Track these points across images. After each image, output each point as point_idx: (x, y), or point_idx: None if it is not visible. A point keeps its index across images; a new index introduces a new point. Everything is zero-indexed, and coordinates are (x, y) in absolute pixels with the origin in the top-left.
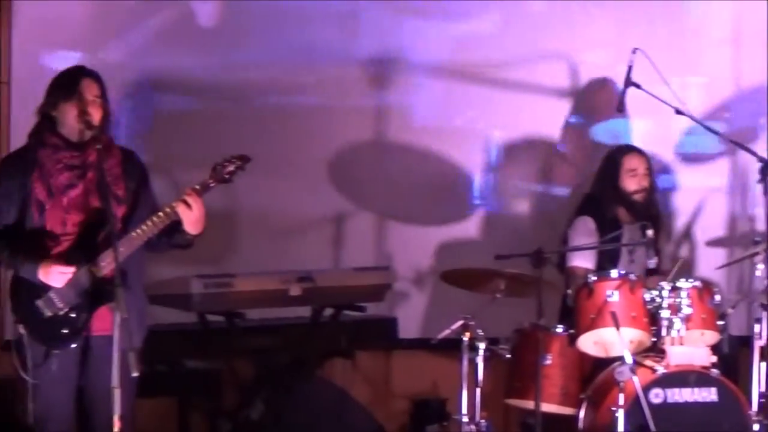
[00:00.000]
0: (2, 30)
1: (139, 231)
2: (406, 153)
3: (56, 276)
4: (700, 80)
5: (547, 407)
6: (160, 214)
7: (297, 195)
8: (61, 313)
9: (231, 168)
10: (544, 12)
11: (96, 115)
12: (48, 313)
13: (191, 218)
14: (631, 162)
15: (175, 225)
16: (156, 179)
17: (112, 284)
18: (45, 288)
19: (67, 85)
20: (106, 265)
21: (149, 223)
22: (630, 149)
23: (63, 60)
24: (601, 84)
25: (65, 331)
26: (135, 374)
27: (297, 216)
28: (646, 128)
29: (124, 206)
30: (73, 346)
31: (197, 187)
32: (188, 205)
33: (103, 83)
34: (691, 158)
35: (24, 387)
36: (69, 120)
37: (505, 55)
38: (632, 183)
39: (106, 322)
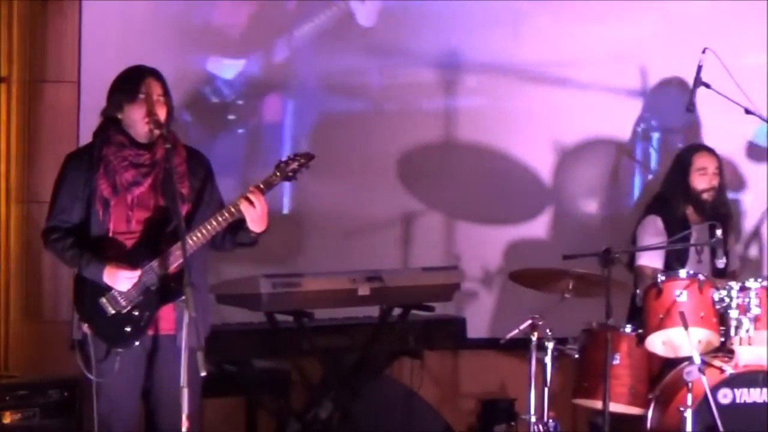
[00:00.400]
0: (69, 30)
1: (203, 229)
2: (474, 153)
3: (122, 281)
4: None
5: (615, 407)
6: (224, 212)
7: (366, 195)
8: (124, 311)
9: (295, 165)
10: (615, 12)
11: (162, 114)
12: (111, 311)
13: (254, 216)
14: (701, 161)
15: (240, 223)
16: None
17: (176, 282)
18: (108, 286)
19: (132, 87)
20: (173, 261)
21: (213, 222)
22: (701, 148)
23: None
24: (671, 84)
25: (128, 329)
26: (203, 374)
27: (366, 216)
28: (716, 127)
29: (188, 204)
30: (136, 344)
31: (261, 185)
32: (251, 203)
33: (165, 80)
34: (762, 156)
35: (89, 387)
36: (136, 121)
37: (575, 55)
38: (702, 181)
39: (171, 321)
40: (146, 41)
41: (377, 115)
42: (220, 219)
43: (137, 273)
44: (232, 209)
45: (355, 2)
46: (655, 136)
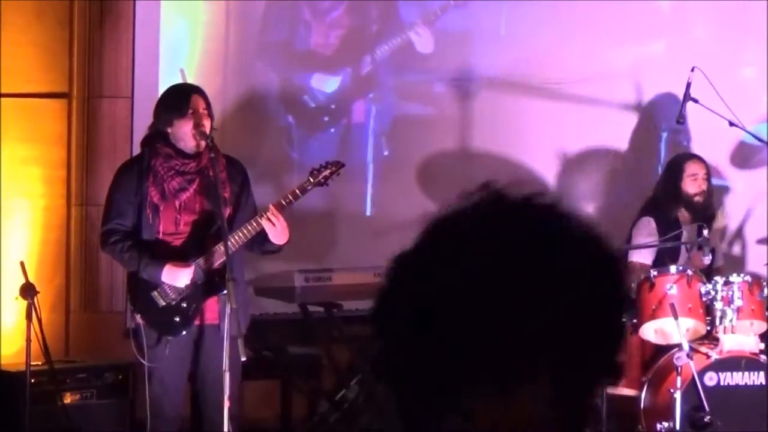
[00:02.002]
0: (123, 51)
1: (240, 233)
2: (488, 161)
3: (182, 278)
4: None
5: (611, 389)
6: (248, 227)
7: (390, 198)
8: (174, 303)
9: (326, 173)
10: (613, 32)
11: (207, 126)
12: (162, 303)
13: (275, 232)
14: (693, 167)
15: (263, 235)
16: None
17: (220, 277)
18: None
19: (179, 102)
20: (216, 259)
21: (242, 232)
22: (692, 156)
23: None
24: (663, 98)
25: (177, 319)
26: (243, 359)
27: (391, 215)
28: (705, 137)
29: (230, 207)
30: (184, 333)
31: (284, 200)
32: (271, 221)
33: (207, 96)
34: (746, 164)
35: (141, 371)
36: (186, 134)
37: (578, 73)
38: (693, 186)
39: (215, 312)
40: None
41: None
42: (246, 231)
43: (192, 269)
44: (255, 224)
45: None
46: (650, 145)
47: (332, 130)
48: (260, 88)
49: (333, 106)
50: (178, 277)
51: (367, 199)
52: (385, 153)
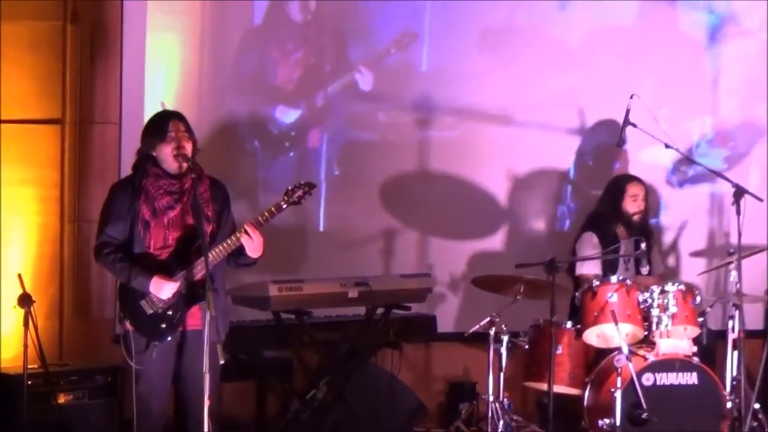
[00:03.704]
0: (112, 80)
1: (218, 249)
2: (444, 181)
3: (167, 290)
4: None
5: (558, 389)
6: (228, 241)
7: (357, 213)
8: (160, 311)
9: (300, 192)
10: (558, 64)
11: (188, 147)
12: (149, 311)
13: (252, 246)
14: (633, 189)
15: (242, 248)
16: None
17: (202, 287)
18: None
19: (160, 128)
20: (198, 271)
21: (223, 246)
22: (632, 178)
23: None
24: (605, 123)
25: (163, 326)
26: (222, 362)
27: (356, 231)
28: (643, 158)
29: (212, 224)
30: (169, 339)
31: (261, 217)
32: (249, 236)
33: (186, 120)
34: (679, 183)
35: (129, 373)
36: (167, 157)
37: (526, 100)
38: (633, 206)
39: (197, 318)
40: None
41: (378, 146)
42: (226, 245)
43: (178, 284)
44: (234, 239)
45: (357, 73)
46: (591, 166)
47: (291, 153)
48: (231, 117)
49: (293, 134)
50: (163, 289)
51: (321, 215)
52: (336, 173)
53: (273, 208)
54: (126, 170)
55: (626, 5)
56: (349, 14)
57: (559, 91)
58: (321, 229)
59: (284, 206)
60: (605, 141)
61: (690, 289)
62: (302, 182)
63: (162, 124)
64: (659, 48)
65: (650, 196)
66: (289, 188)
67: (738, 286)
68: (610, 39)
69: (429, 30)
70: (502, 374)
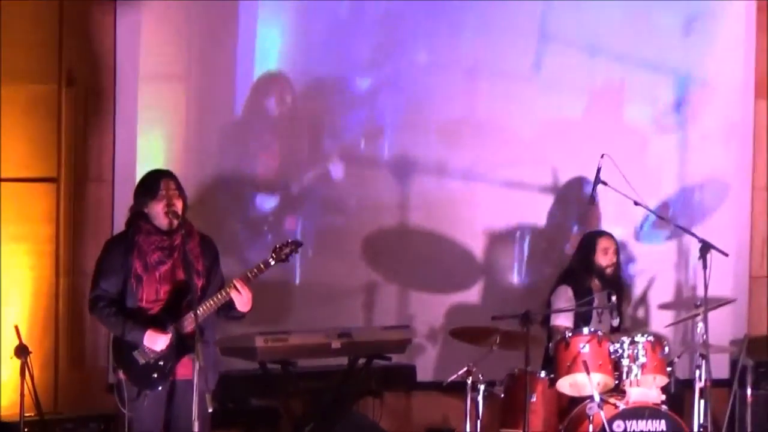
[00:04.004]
0: (106, 141)
1: (209, 302)
2: (424, 237)
3: (160, 343)
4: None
5: None
6: (218, 295)
7: (340, 269)
8: (152, 361)
9: (287, 250)
10: (533, 129)
11: (178, 205)
12: (142, 361)
13: (241, 301)
14: (604, 243)
15: (231, 303)
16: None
17: (192, 339)
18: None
19: (151, 187)
20: (188, 324)
21: (213, 300)
22: (603, 233)
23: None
24: (576, 182)
25: (155, 375)
26: (210, 410)
27: (338, 286)
28: (614, 215)
29: (202, 279)
30: (160, 388)
31: (249, 273)
32: (238, 291)
33: (177, 179)
34: (648, 239)
35: (122, 421)
36: (159, 214)
37: (501, 159)
38: (604, 260)
39: (188, 368)
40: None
41: (350, 227)
42: (216, 299)
43: (170, 335)
44: (224, 294)
45: (330, 164)
46: (564, 222)
47: (269, 237)
48: (217, 205)
49: (270, 218)
50: (157, 342)
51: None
52: (310, 254)
53: (262, 265)
54: (119, 226)
55: (577, 99)
56: (321, 109)
57: (530, 151)
58: (305, 283)
59: (272, 263)
60: (577, 198)
61: (659, 340)
62: (289, 240)
63: (153, 182)
64: (606, 136)
65: (621, 250)
66: (277, 246)
67: (705, 337)
68: (560, 130)
69: (391, 122)
70: (479, 422)
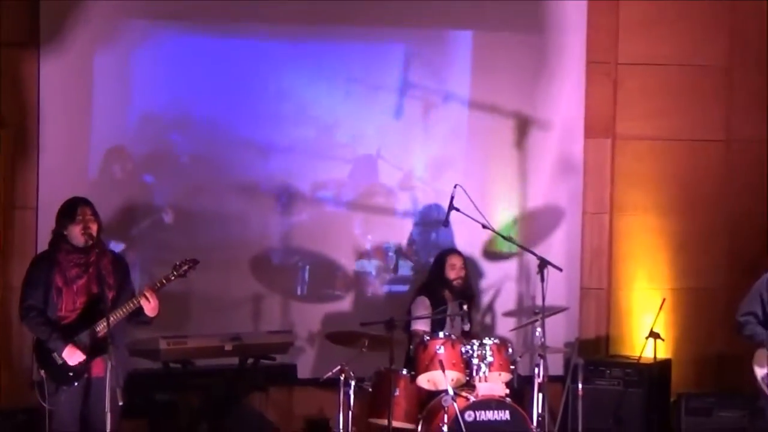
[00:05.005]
0: (29, 175)
1: (120, 311)
2: (303, 255)
3: (75, 358)
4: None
5: (396, 424)
6: (129, 303)
7: (231, 282)
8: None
9: (186, 267)
10: (393, 159)
11: (93, 228)
12: (60, 362)
13: (149, 308)
14: (452, 260)
15: (140, 310)
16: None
17: (105, 342)
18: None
19: (70, 212)
20: (101, 329)
21: (124, 308)
22: (452, 251)
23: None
24: (434, 207)
25: (71, 374)
26: (120, 403)
27: (231, 296)
28: (466, 236)
29: (113, 291)
30: (76, 384)
31: (158, 283)
32: (148, 299)
33: (93, 205)
34: (494, 256)
35: (44, 413)
36: (77, 235)
37: (368, 186)
38: (453, 273)
39: (101, 368)
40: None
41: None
42: (127, 307)
43: (83, 357)
44: (135, 302)
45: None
46: (423, 242)
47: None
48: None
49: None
50: (72, 357)
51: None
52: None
53: (163, 280)
54: (41, 246)
55: (432, 138)
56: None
57: (397, 181)
58: (202, 295)
59: (172, 278)
60: (434, 220)
61: (503, 343)
62: (188, 258)
63: (72, 208)
64: (457, 168)
65: (471, 265)
66: (177, 263)
67: (542, 339)
68: (421, 163)
69: (273, 154)
70: (350, 412)
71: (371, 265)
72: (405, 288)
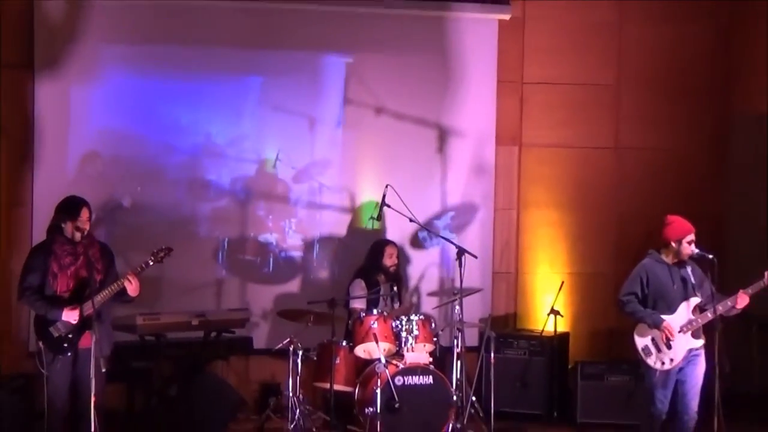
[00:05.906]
0: (28, 173)
1: (105, 292)
2: (260, 245)
3: (74, 315)
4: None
5: (337, 387)
6: (114, 285)
7: (197, 268)
8: (63, 335)
9: (162, 254)
10: (333, 166)
11: (86, 227)
12: (56, 335)
13: (131, 288)
14: (389, 249)
15: (124, 290)
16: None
17: (91, 319)
18: (54, 321)
19: (72, 211)
20: (88, 308)
21: (110, 289)
22: (389, 242)
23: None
24: (369, 204)
25: (65, 345)
26: (104, 370)
27: (197, 280)
28: (397, 227)
29: (101, 275)
30: (69, 354)
31: (139, 267)
32: (130, 281)
33: (90, 207)
34: (420, 245)
35: (41, 379)
36: (70, 230)
37: (315, 186)
38: (389, 261)
39: (88, 340)
40: None
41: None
42: (112, 288)
43: (78, 310)
44: (119, 284)
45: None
46: (359, 234)
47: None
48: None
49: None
50: (71, 316)
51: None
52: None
53: (143, 264)
54: (37, 239)
55: (368, 145)
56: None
57: (337, 181)
58: (172, 278)
59: (151, 263)
60: (369, 216)
61: (428, 318)
62: (164, 246)
63: (75, 208)
64: (390, 171)
65: (401, 253)
66: (155, 250)
67: (460, 316)
68: (359, 166)
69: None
70: (298, 377)
71: (318, 254)
72: (344, 272)
